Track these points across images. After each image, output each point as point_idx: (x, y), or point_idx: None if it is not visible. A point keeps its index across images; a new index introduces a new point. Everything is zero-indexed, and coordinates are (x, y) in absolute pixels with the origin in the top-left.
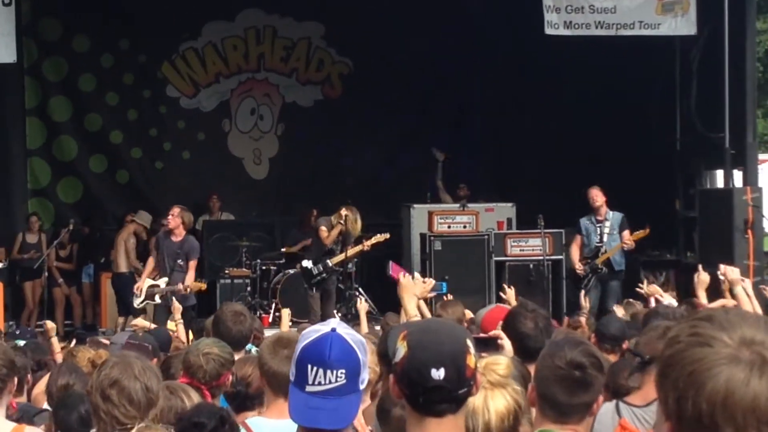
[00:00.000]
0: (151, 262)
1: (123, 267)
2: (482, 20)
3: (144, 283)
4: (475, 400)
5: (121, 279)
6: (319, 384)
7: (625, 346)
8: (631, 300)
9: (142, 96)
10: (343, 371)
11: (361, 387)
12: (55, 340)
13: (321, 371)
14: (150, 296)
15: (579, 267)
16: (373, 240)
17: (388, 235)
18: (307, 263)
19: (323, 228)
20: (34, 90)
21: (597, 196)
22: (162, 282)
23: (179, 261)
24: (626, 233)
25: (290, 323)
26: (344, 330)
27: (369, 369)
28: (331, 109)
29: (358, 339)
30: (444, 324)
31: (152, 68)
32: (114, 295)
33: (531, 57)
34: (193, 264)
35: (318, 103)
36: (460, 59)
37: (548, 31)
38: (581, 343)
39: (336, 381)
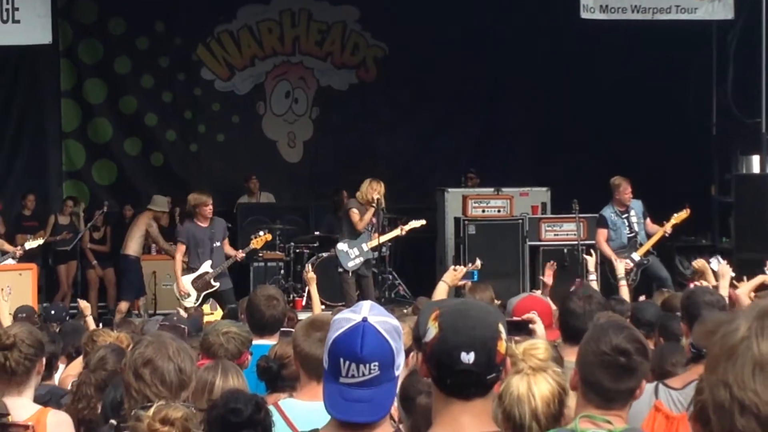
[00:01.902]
0: (179, 259)
1: (130, 250)
2: (516, 2)
3: (183, 283)
4: (519, 388)
5: (125, 261)
6: (353, 377)
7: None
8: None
9: (177, 78)
10: (376, 363)
11: (397, 373)
12: (90, 319)
13: (354, 365)
14: (204, 286)
15: (627, 265)
16: (410, 225)
17: (424, 222)
18: (342, 246)
19: (354, 211)
20: (70, 72)
21: (627, 190)
22: (206, 266)
23: (215, 244)
24: (648, 220)
25: (323, 307)
26: (376, 318)
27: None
28: (365, 93)
29: (391, 326)
30: (478, 306)
31: (187, 51)
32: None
33: (565, 40)
34: (227, 242)
35: (353, 87)
36: (494, 42)
37: (584, 15)
38: (625, 327)
39: (369, 373)
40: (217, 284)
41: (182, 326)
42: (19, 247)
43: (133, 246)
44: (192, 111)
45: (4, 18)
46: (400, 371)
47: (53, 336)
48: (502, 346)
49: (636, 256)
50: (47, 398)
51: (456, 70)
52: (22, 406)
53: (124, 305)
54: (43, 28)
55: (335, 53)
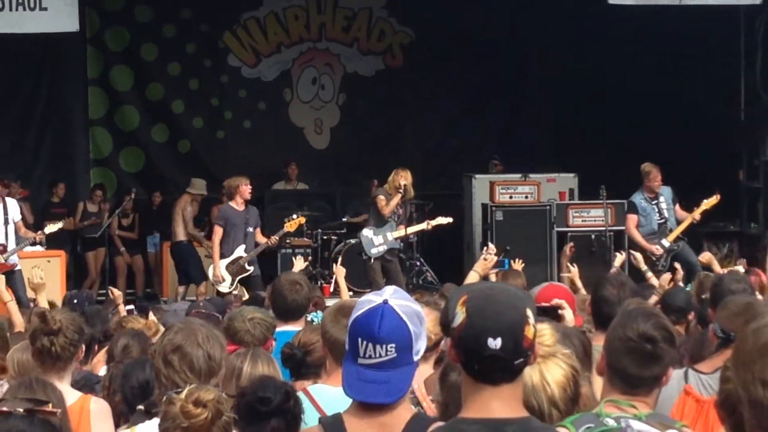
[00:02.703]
0: (216, 243)
1: (181, 236)
2: None
3: (220, 268)
4: (533, 377)
5: (180, 247)
6: (370, 357)
7: (690, 317)
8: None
9: (203, 65)
10: (393, 345)
11: (416, 358)
12: (122, 307)
13: (370, 345)
14: (239, 271)
15: (657, 251)
16: (436, 222)
17: (451, 219)
18: (367, 232)
19: (381, 197)
20: (96, 60)
21: (657, 177)
22: (240, 251)
23: (248, 229)
24: (677, 206)
25: (350, 293)
26: (397, 301)
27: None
28: (392, 79)
29: (412, 310)
30: (506, 291)
31: (214, 38)
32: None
33: (592, 25)
34: (259, 230)
35: (379, 73)
36: (520, 27)
37: (612, 0)
38: (653, 315)
39: (386, 355)
40: (251, 268)
41: (216, 315)
42: (39, 233)
43: (180, 231)
44: (219, 98)
45: (31, 5)
46: (420, 356)
47: (90, 322)
48: (529, 331)
49: (666, 242)
50: (82, 383)
51: (482, 56)
52: (64, 392)
53: (203, 287)
54: (70, 15)
55: (361, 39)
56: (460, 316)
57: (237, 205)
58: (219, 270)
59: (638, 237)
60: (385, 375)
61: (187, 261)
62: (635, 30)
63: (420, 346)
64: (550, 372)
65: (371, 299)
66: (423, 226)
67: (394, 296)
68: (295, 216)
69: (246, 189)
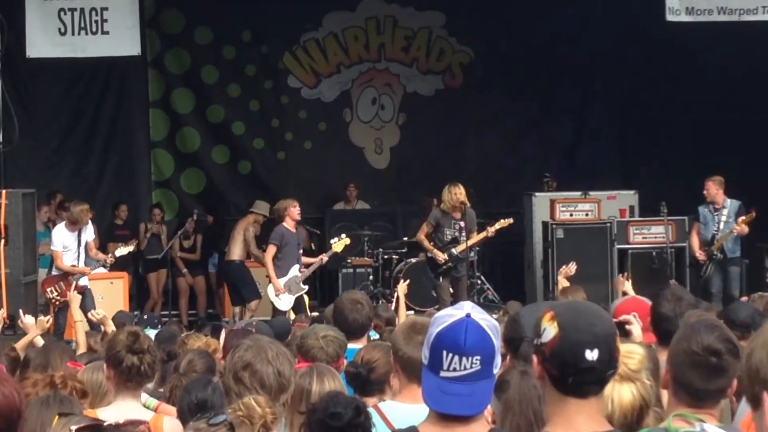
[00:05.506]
0: (270, 261)
1: (235, 255)
2: (603, 5)
3: (279, 284)
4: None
5: (232, 267)
6: (454, 370)
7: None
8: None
9: (263, 87)
10: (479, 358)
11: (495, 371)
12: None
13: (456, 358)
14: (296, 289)
15: (699, 254)
16: (497, 225)
17: (512, 220)
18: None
19: (425, 225)
20: (158, 82)
21: (709, 188)
22: (295, 270)
23: (300, 250)
24: (740, 220)
25: (410, 312)
26: (479, 315)
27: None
28: (452, 98)
29: (493, 324)
30: (589, 305)
31: (274, 59)
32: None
33: (654, 43)
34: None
35: (439, 93)
36: (581, 46)
37: (669, 17)
38: (717, 327)
39: (471, 367)
40: (306, 287)
41: (250, 329)
42: (110, 255)
43: (236, 251)
44: (279, 119)
45: (94, 30)
46: (498, 369)
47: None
48: (619, 342)
49: (710, 249)
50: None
51: (542, 74)
52: (138, 410)
53: (254, 304)
54: (132, 39)
55: (421, 59)
56: (551, 330)
57: (290, 226)
58: (277, 284)
59: (693, 243)
60: (469, 388)
61: (239, 281)
62: (699, 47)
63: (498, 359)
64: (619, 393)
65: (451, 314)
66: (484, 234)
67: (474, 310)
68: (343, 235)
69: (294, 211)
